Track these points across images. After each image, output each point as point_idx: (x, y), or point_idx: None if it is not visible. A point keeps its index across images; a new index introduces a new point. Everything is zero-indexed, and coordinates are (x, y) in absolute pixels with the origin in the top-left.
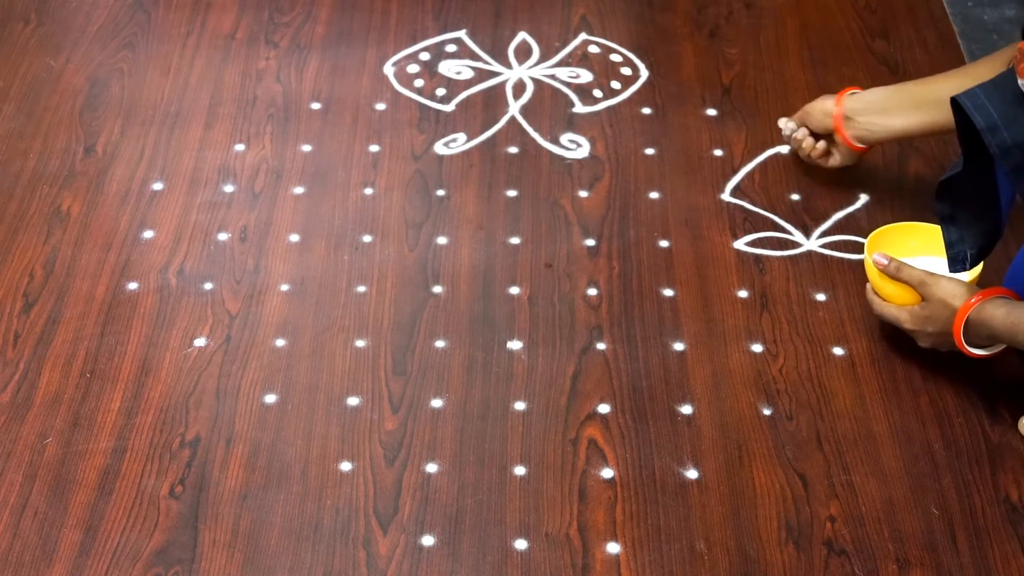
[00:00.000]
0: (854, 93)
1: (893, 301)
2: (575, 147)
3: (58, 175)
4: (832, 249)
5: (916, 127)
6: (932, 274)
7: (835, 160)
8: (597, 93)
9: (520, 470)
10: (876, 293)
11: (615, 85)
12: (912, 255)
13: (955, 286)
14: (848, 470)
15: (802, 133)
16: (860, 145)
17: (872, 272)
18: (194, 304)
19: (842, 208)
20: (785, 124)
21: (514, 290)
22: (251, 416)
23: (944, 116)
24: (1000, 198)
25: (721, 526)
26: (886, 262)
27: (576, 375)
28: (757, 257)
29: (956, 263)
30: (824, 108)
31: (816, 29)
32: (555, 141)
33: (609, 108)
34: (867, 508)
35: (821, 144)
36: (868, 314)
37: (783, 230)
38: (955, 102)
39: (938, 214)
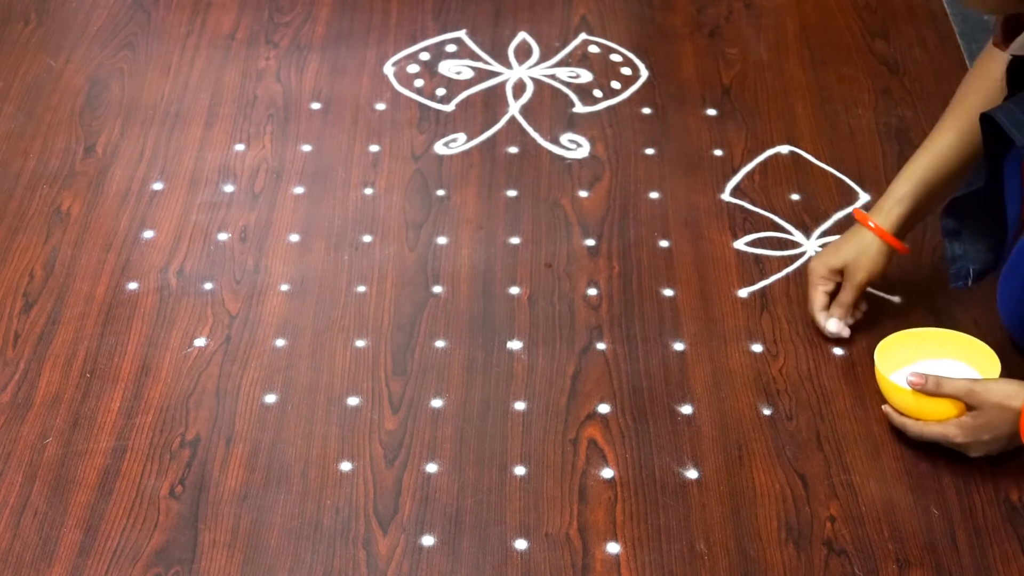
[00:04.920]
0: (869, 213)
1: (928, 418)
2: (575, 147)
3: (58, 175)
4: None
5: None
6: (977, 380)
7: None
8: (597, 93)
9: (520, 470)
10: (903, 413)
11: (615, 85)
12: (913, 361)
13: (1007, 386)
14: (848, 470)
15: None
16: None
17: (900, 394)
18: (194, 304)
19: (842, 208)
20: (831, 321)
21: (514, 290)
22: (251, 416)
23: (960, 164)
24: (1007, 216)
25: (721, 526)
26: (923, 381)
27: (576, 375)
28: (757, 257)
29: (958, 279)
30: (871, 251)
31: (816, 29)
32: (555, 141)
33: (609, 108)
34: (867, 508)
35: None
36: (868, 314)
37: (783, 230)
38: (987, 118)
39: (943, 228)
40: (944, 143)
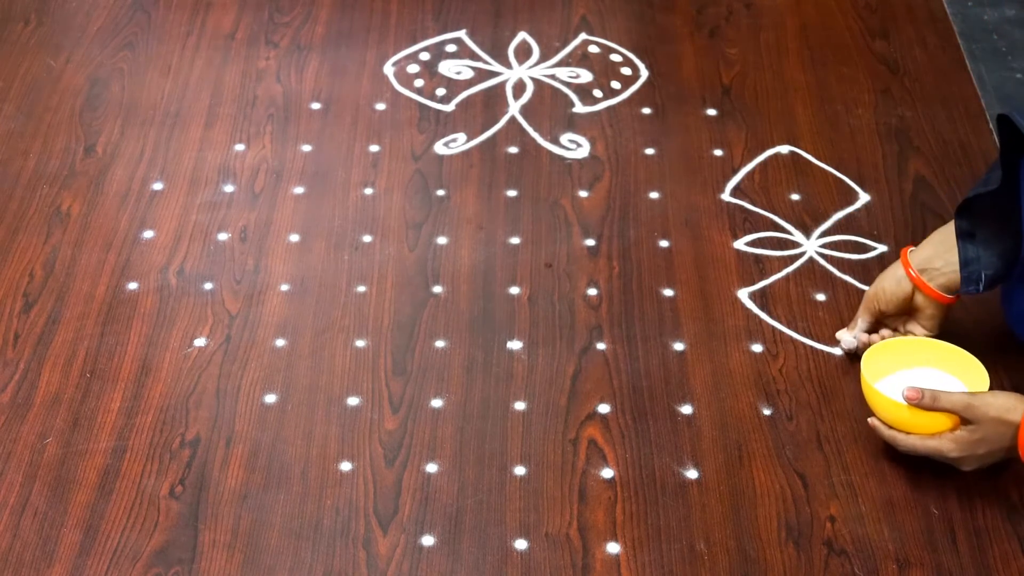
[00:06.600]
0: (912, 250)
1: (919, 431)
2: (575, 147)
3: (58, 175)
4: (832, 249)
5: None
6: (974, 394)
7: (922, 332)
8: (597, 93)
9: (520, 470)
10: (891, 426)
11: (615, 85)
12: (897, 369)
13: (1005, 399)
14: (848, 470)
15: (887, 331)
16: (949, 296)
17: (893, 408)
18: (194, 304)
19: (842, 208)
20: (851, 336)
21: (514, 290)
22: (251, 416)
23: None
24: (1022, 223)
25: (721, 526)
26: (919, 395)
27: (576, 375)
28: (757, 257)
29: (970, 283)
30: (893, 276)
31: (816, 29)
32: (555, 141)
33: (609, 108)
34: (867, 508)
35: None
36: None
37: (783, 230)
38: (1004, 117)
39: (956, 230)
40: None
